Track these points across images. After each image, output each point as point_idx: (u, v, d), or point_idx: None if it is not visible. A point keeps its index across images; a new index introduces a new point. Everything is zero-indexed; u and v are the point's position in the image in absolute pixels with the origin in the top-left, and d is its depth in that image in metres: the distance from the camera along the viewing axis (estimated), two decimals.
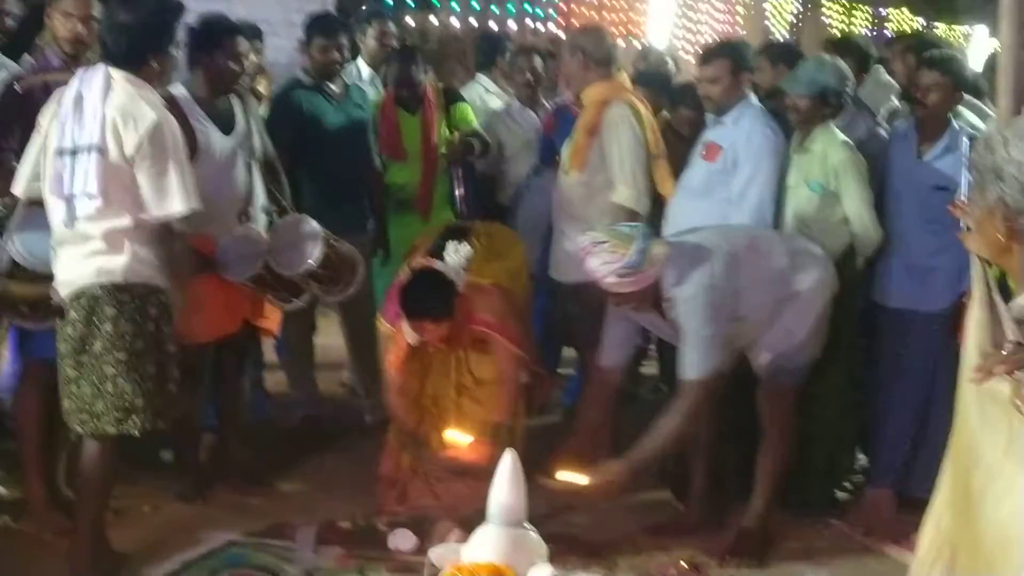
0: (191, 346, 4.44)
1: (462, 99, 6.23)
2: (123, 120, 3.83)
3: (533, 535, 3.38)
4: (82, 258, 3.90)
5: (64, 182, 3.86)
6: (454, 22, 10.25)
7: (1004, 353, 2.37)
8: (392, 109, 5.96)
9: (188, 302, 4.15)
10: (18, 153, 4.17)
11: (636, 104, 5.10)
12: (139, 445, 4.21)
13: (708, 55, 5.06)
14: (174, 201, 3.89)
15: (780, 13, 16.00)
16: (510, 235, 5.30)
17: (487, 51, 6.86)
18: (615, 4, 12.33)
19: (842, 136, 4.85)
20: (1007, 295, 2.60)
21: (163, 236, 3.93)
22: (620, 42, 6.29)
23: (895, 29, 17.47)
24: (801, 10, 16.43)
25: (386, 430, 5.00)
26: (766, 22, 15.72)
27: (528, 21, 11.35)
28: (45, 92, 4.20)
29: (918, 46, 6.08)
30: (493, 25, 10.48)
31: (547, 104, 6.33)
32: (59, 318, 3.95)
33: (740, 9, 15.14)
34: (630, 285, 4.16)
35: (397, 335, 4.85)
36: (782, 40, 7.63)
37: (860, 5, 17.61)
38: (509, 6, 11.04)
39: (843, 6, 17.25)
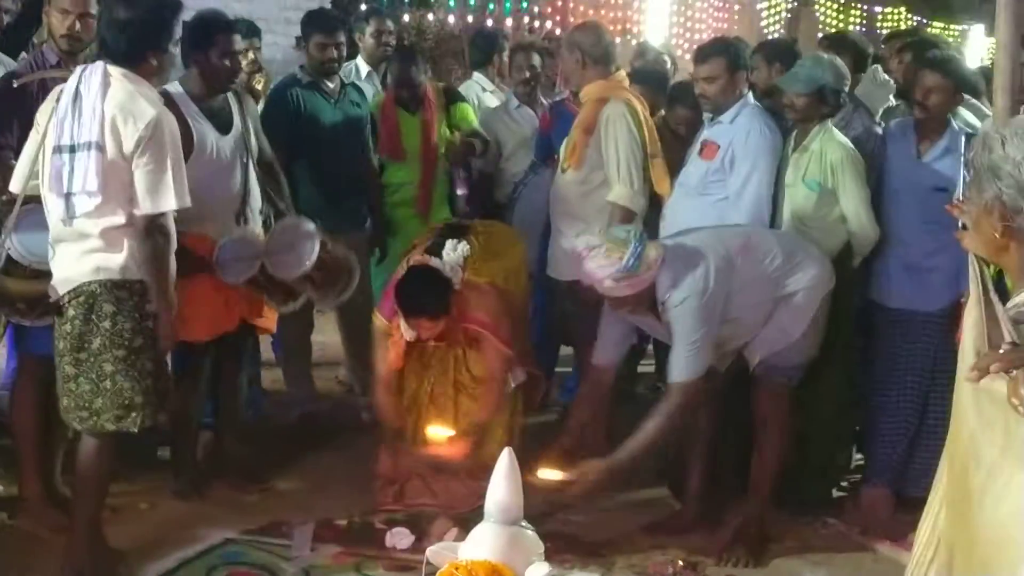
0: (189, 344, 4.44)
1: (462, 99, 6.23)
2: (122, 117, 3.82)
3: (530, 533, 3.37)
4: (80, 255, 3.89)
5: (63, 179, 3.85)
6: (451, 19, 10.25)
7: (1001, 352, 2.37)
8: (392, 109, 5.95)
9: (186, 301, 4.15)
10: (16, 151, 4.17)
11: (633, 103, 5.10)
12: (136, 442, 4.20)
13: (704, 54, 5.05)
14: (167, 198, 3.89)
15: (773, 9, 16.01)
16: (510, 234, 5.30)
17: (483, 49, 6.87)
18: (612, 1, 12.34)
19: (840, 135, 4.86)
20: (1004, 294, 2.60)
21: (149, 231, 3.91)
22: (617, 40, 6.27)
23: (889, 27, 17.46)
24: (792, 6, 16.41)
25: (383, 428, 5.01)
26: (761, 21, 15.74)
27: (525, 19, 11.35)
28: (43, 89, 4.20)
29: (915, 45, 6.10)
30: (490, 22, 10.48)
31: (544, 102, 6.33)
32: (56, 315, 3.95)
33: (736, 6, 15.15)
34: (626, 289, 4.18)
35: (393, 330, 4.86)
36: (777, 38, 7.63)
37: (854, 3, 17.61)
38: (507, 3, 11.04)
39: (838, 4, 17.25)
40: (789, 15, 16.33)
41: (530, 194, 5.88)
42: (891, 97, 6.01)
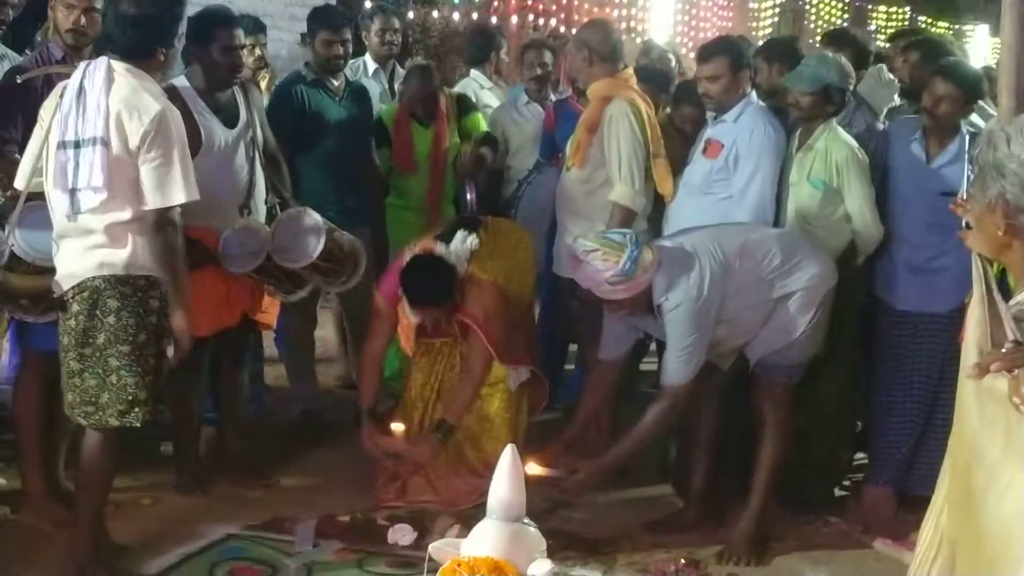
0: (191, 339, 4.45)
1: (474, 107, 6.20)
2: (127, 112, 3.82)
3: (533, 530, 3.37)
4: (84, 251, 3.89)
5: (68, 175, 3.85)
6: (456, 16, 10.25)
7: (1003, 351, 2.37)
8: (406, 123, 5.92)
9: (189, 295, 4.15)
10: (21, 146, 4.17)
11: (637, 101, 5.09)
12: (140, 438, 4.21)
13: (707, 53, 5.05)
14: (176, 191, 3.89)
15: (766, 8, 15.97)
16: (520, 234, 5.28)
17: (481, 46, 6.85)
18: (617, 0, 12.33)
19: (845, 133, 4.86)
20: (1007, 293, 2.60)
21: (159, 225, 3.92)
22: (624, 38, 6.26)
23: (880, 24, 17.42)
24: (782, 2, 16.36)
25: (388, 424, 5.01)
26: (751, 22, 15.70)
27: (530, 17, 11.34)
28: (48, 85, 4.21)
29: (922, 44, 6.07)
30: (494, 20, 10.48)
31: (553, 97, 6.32)
32: (60, 311, 3.95)
33: (764, 13, 15.13)
34: (622, 292, 4.19)
35: (399, 315, 4.87)
36: (778, 38, 7.65)
37: (878, 8, 17.59)
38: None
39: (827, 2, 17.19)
40: (779, 11, 16.26)
41: (534, 192, 5.89)
42: (895, 96, 6.01)
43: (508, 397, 4.92)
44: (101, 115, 3.81)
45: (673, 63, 6.76)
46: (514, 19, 11.11)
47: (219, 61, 4.65)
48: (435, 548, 3.36)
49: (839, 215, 4.79)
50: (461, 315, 4.75)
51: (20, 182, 4.04)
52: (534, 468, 4.18)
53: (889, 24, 17.66)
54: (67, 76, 4.00)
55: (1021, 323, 2.44)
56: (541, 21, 11.35)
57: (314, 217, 4.72)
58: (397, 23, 6.50)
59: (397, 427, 4.87)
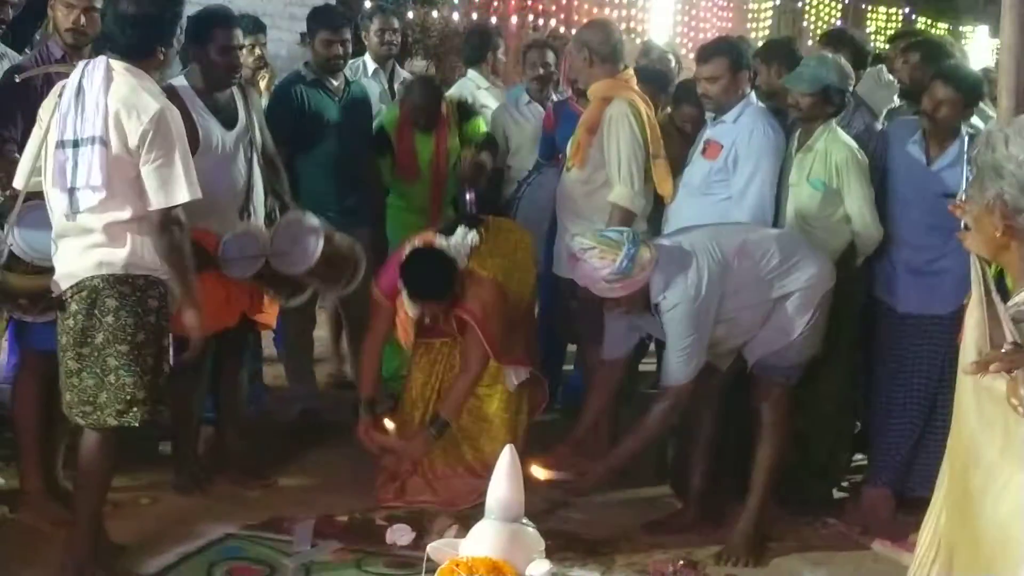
0: (190, 339, 4.45)
1: (475, 113, 6.19)
2: (126, 112, 3.82)
3: (531, 531, 3.37)
4: (83, 250, 3.89)
5: (66, 174, 3.85)
6: (455, 16, 10.25)
7: (1003, 352, 2.37)
8: (409, 132, 5.91)
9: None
10: (20, 145, 4.17)
11: (637, 102, 5.08)
12: (138, 437, 4.21)
13: (706, 53, 5.04)
14: (179, 190, 3.89)
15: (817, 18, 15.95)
16: (520, 234, 5.27)
17: (478, 46, 6.84)
18: (617, 0, 12.32)
19: (844, 134, 4.86)
20: (1005, 294, 2.60)
21: (164, 225, 3.93)
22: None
23: (880, 27, 17.41)
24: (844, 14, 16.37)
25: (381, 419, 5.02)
26: (748, 23, 15.70)
27: (530, 17, 11.34)
28: (47, 84, 4.21)
29: (923, 45, 6.07)
30: (494, 20, 10.48)
31: (555, 97, 6.32)
32: (59, 311, 3.95)
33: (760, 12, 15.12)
34: (619, 290, 4.19)
35: (397, 307, 4.88)
36: (776, 39, 7.65)
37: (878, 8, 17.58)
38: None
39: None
40: (777, 12, 16.24)
41: (534, 192, 5.88)
42: (895, 97, 6.00)
43: (507, 397, 4.92)
44: (100, 114, 3.81)
45: (673, 63, 6.76)
46: (514, 19, 11.11)
47: (217, 61, 4.64)
48: (433, 548, 3.36)
49: (839, 216, 4.79)
50: (459, 311, 4.75)
51: (19, 181, 4.04)
52: (542, 472, 4.19)
53: (889, 25, 17.66)
54: (66, 75, 4.00)
55: (1019, 324, 2.45)
56: (541, 21, 11.35)
57: (313, 222, 4.72)
58: (396, 23, 6.50)
59: (389, 424, 4.87)
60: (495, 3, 10.86)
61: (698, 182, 4.93)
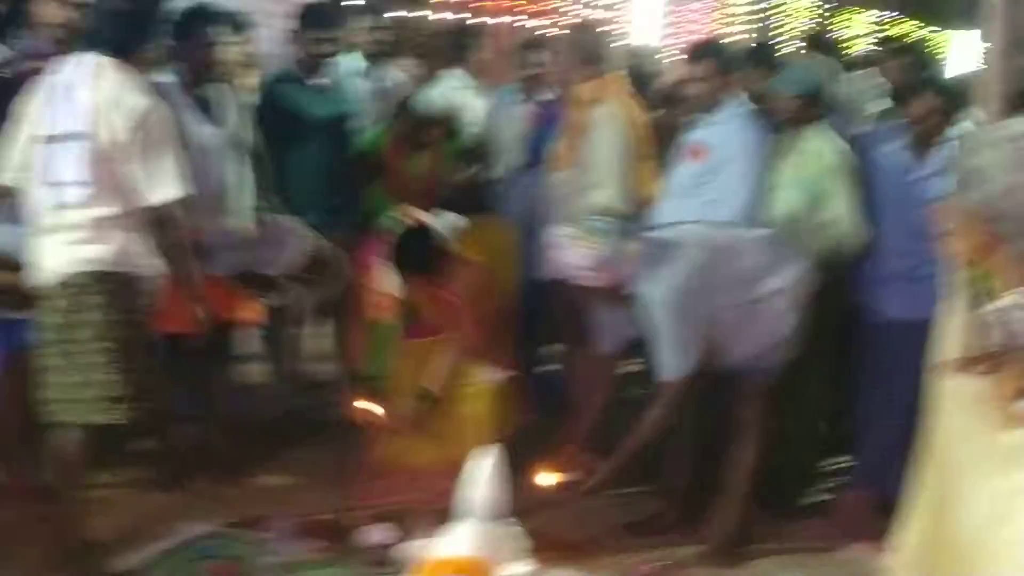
0: (174, 335, 4.43)
1: (462, 127, 6.16)
2: (113, 107, 3.82)
3: (513, 530, 3.38)
4: (68, 246, 3.89)
5: (51, 169, 3.85)
6: (446, 16, 10.24)
7: (983, 355, 2.37)
8: (399, 155, 5.87)
9: (171, 293, 4.14)
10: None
11: (624, 104, 5.09)
12: (119, 433, 4.19)
13: (695, 55, 5.06)
14: (169, 187, 3.89)
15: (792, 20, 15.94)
16: (504, 233, 5.27)
17: (460, 45, 6.81)
18: (602, 2, 12.31)
19: (833, 137, 4.86)
20: (986, 300, 2.61)
21: (159, 222, 3.92)
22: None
23: (858, 30, 17.41)
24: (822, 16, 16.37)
25: (369, 424, 5.01)
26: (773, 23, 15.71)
27: (519, 18, 11.33)
28: (34, 78, 4.19)
29: (912, 49, 6.08)
30: (485, 20, 10.46)
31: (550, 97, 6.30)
32: (41, 306, 3.93)
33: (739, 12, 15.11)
34: (600, 280, 4.17)
35: (370, 283, 4.90)
36: (760, 43, 7.66)
37: (859, 11, 17.59)
38: None
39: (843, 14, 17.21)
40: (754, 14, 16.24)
41: (519, 192, 5.87)
42: (882, 101, 6.02)
43: (489, 397, 4.92)
44: (87, 110, 3.82)
45: (658, 66, 6.76)
46: (503, 20, 11.09)
47: (201, 58, 4.63)
48: (414, 547, 3.36)
49: (824, 219, 4.79)
50: (446, 293, 4.75)
51: (5, 176, 4.03)
52: (552, 477, 4.18)
53: (878, 29, 17.66)
54: (53, 70, 3.99)
55: (999, 328, 2.45)
56: (530, 23, 11.33)
57: (295, 223, 4.72)
58: (386, 22, 6.48)
59: (369, 405, 4.90)
60: (486, 3, 10.84)
61: (684, 184, 4.93)
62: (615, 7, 12.31)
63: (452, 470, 4.76)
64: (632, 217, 5.11)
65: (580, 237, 4.17)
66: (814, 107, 4.80)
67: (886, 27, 17.33)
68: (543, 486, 4.14)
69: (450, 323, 4.84)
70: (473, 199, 6.16)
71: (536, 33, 10.38)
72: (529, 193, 5.56)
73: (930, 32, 17.54)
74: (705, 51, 5.07)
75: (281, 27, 6.23)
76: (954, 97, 4.74)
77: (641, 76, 5.98)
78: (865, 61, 7.02)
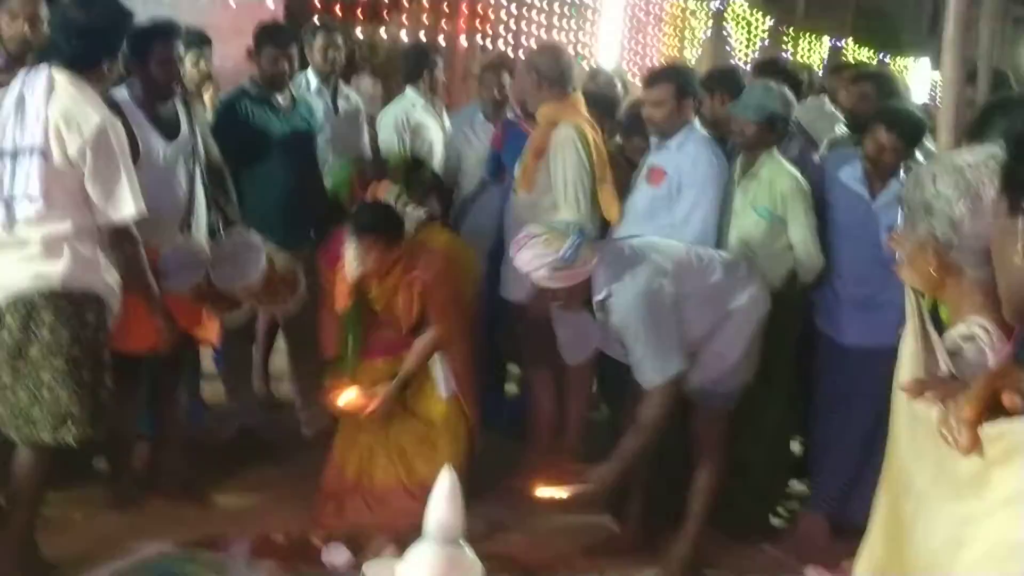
0: (128, 354, 4.40)
1: (423, 163, 6.16)
2: (66, 123, 3.80)
3: (469, 553, 3.37)
4: (20, 263, 3.85)
5: (4, 184, 3.82)
6: (404, 36, 10.24)
7: (937, 380, 2.39)
8: (363, 194, 5.88)
9: (126, 311, 4.12)
10: None
11: (584, 127, 5.11)
12: (72, 452, 4.15)
13: (653, 78, 5.09)
14: (125, 205, 3.87)
15: (743, 44, 16.10)
16: (464, 251, 5.27)
17: (414, 63, 6.83)
18: (565, 24, 12.37)
19: (787, 163, 4.90)
20: (939, 325, 2.63)
21: (117, 241, 3.90)
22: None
23: (803, 55, 17.62)
24: (764, 42, 16.53)
25: (326, 443, 4.99)
26: (727, 46, 15.83)
27: (478, 38, 11.35)
28: None
29: (872, 78, 6.13)
30: (442, 41, 10.47)
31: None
32: None
33: (692, 35, 15.23)
34: (560, 280, 4.18)
35: (337, 273, 4.90)
36: (720, 67, 7.71)
37: (811, 36, 17.78)
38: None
39: (791, 37, 17.40)
40: (761, 46, 16.41)
41: (478, 209, 5.88)
42: (836, 128, 6.08)
43: (448, 419, 4.90)
44: (40, 124, 3.79)
45: (619, 88, 6.79)
46: (463, 40, 11.11)
47: (156, 74, 4.60)
48: (370, 569, 3.35)
49: (781, 244, 4.83)
50: (409, 276, 4.78)
51: None
52: (553, 491, 4.16)
53: (811, 53, 17.81)
54: (7, 84, 3.96)
55: (954, 357, 2.48)
56: (490, 44, 11.36)
57: (254, 239, 4.70)
58: (340, 40, 6.47)
59: (347, 392, 4.90)
60: (443, 23, 10.86)
61: (642, 207, 4.96)
62: (576, 30, 12.37)
63: (411, 489, 4.78)
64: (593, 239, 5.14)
65: (543, 234, 4.19)
66: (771, 132, 4.84)
67: (840, 53, 17.54)
68: (546, 498, 4.12)
69: (412, 309, 4.84)
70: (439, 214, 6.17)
71: (498, 54, 10.40)
72: (491, 213, 5.57)
73: (880, 59, 17.74)
74: (663, 75, 5.10)
75: (239, 44, 6.21)
76: (908, 134, 4.78)
77: (603, 98, 6.01)
78: (819, 88, 7.09)
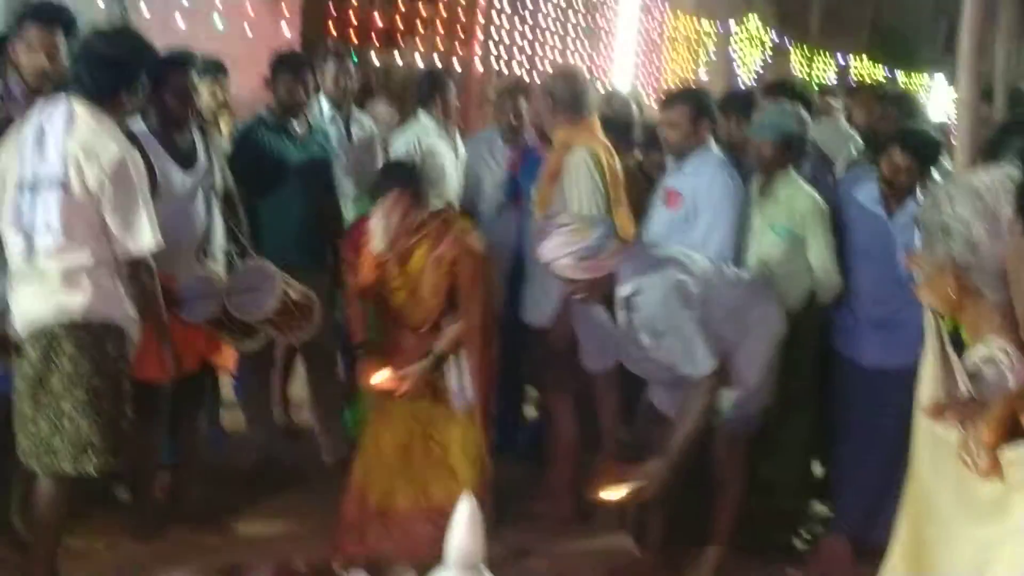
0: (148, 383, 4.41)
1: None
2: (86, 154, 3.81)
3: None
4: (41, 295, 3.87)
5: (24, 216, 3.83)
6: (419, 62, 10.28)
7: (958, 403, 2.39)
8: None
9: (146, 340, 4.13)
10: None
11: (598, 150, 5.11)
12: (95, 482, 4.16)
13: (669, 100, 5.11)
14: (144, 236, 3.89)
15: (745, 62, 16.13)
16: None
17: (427, 88, 6.85)
18: (579, 47, 12.40)
19: (805, 183, 4.90)
20: (960, 347, 2.63)
21: (134, 272, 3.92)
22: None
23: (858, 77, 17.63)
24: (768, 59, 16.56)
25: (346, 471, 4.98)
26: (733, 64, 15.85)
27: (493, 62, 11.38)
28: (7, 124, 4.18)
29: (884, 96, 6.13)
30: (457, 66, 10.51)
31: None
32: (16, 355, 3.91)
33: (702, 55, 15.24)
34: (583, 271, 4.17)
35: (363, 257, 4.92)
36: (735, 90, 7.70)
37: (824, 53, 17.79)
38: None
39: (806, 55, 17.42)
40: (761, 66, 16.43)
41: (495, 233, 5.88)
42: (851, 147, 6.07)
43: (467, 445, 4.88)
44: (60, 156, 3.81)
45: (635, 110, 6.79)
46: (478, 64, 11.14)
47: (172, 104, 4.62)
48: None
49: (800, 264, 4.82)
50: (437, 253, 4.81)
51: None
52: (612, 493, 4.15)
53: (815, 71, 17.80)
54: (28, 116, 3.98)
55: (974, 378, 2.47)
56: (505, 69, 11.39)
57: (270, 269, 4.71)
58: (352, 67, 6.49)
59: (380, 373, 4.90)
60: (458, 48, 10.89)
61: (660, 230, 4.96)
62: (590, 52, 12.40)
63: (432, 516, 4.76)
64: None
65: (571, 224, 4.19)
66: (788, 153, 4.84)
67: (852, 70, 17.53)
68: (609, 501, 4.12)
69: (441, 289, 4.85)
70: None
71: (514, 79, 10.43)
72: (509, 236, 5.58)
73: (891, 75, 17.71)
74: (680, 97, 5.11)
75: (255, 72, 6.24)
76: (924, 156, 4.76)
77: (618, 123, 6.02)
78: (834, 107, 7.08)
